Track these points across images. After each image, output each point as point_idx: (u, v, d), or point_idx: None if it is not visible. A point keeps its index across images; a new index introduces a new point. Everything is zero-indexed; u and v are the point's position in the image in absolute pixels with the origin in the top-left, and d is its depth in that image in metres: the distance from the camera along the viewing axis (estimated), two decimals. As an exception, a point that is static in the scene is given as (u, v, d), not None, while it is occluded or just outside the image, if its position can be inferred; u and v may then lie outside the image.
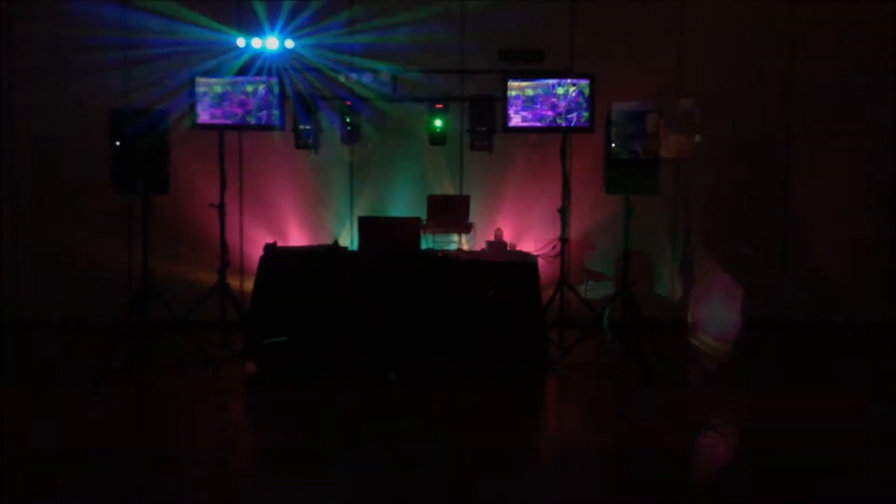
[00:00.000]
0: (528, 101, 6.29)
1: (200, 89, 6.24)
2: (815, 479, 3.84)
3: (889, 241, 7.58)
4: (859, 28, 7.44)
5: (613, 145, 5.91)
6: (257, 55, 6.38)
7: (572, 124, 6.31)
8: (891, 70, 7.46)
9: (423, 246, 6.25)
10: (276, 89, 6.26)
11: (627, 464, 4.11)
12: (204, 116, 6.27)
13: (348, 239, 7.15)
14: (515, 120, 6.31)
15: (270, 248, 6.09)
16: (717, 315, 7.37)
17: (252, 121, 6.31)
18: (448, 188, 7.41)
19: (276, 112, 6.28)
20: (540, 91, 6.27)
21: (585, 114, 6.27)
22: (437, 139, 6.64)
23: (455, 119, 6.79)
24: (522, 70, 6.29)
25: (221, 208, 6.42)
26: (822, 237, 7.52)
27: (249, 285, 6.34)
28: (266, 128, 6.36)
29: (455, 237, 6.49)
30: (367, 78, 6.73)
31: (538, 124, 6.32)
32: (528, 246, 6.72)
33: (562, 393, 5.60)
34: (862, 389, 5.53)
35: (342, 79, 6.51)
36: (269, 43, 6.35)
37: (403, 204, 7.31)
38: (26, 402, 5.05)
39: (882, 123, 7.51)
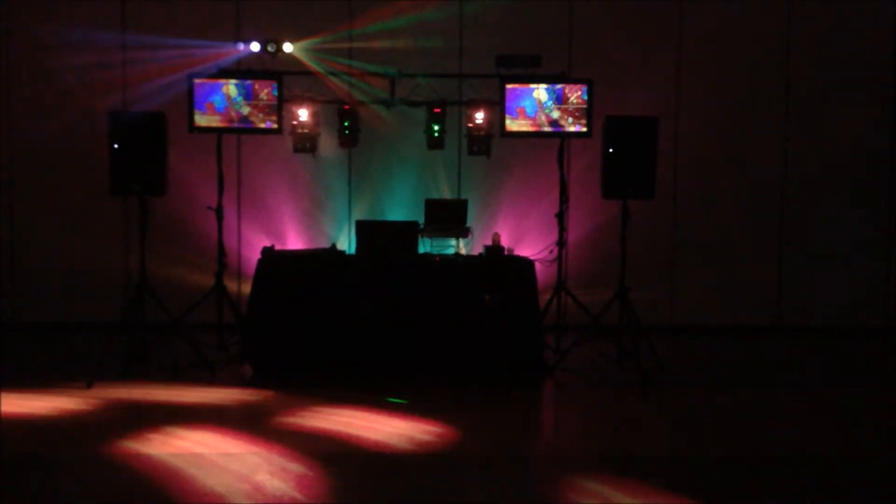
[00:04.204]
0: (525, 105, 6.30)
1: (199, 92, 6.24)
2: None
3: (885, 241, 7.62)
4: (857, 29, 7.47)
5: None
6: (256, 58, 6.39)
7: (570, 129, 6.31)
8: (889, 77, 7.49)
9: (421, 250, 6.25)
10: (275, 92, 6.26)
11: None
12: (202, 119, 6.27)
13: (346, 243, 7.15)
14: (513, 124, 6.32)
15: (268, 252, 6.09)
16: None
17: (250, 124, 6.31)
18: (446, 192, 7.42)
19: (274, 115, 6.28)
20: (538, 95, 6.29)
21: (583, 119, 6.28)
22: (435, 143, 6.64)
23: (453, 123, 6.79)
24: (520, 75, 6.30)
25: (219, 211, 6.42)
26: (820, 239, 7.53)
27: (246, 288, 6.34)
28: (264, 131, 6.36)
29: (453, 241, 6.49)
30: (364, 82, 6.76)
31: (536, 129, 6.33)
32: (525, 250, 6.72)
33: (558, 397, 5.60)
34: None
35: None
36: (268, 46, 6.36)
37: (401, 208, 7.31)
38: (21, 403, 5.03)
39: (880, 126, 7.53)
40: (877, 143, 7.53)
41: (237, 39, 6.54)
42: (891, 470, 4.11)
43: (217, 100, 6.26)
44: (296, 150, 6.65)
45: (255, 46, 6.36)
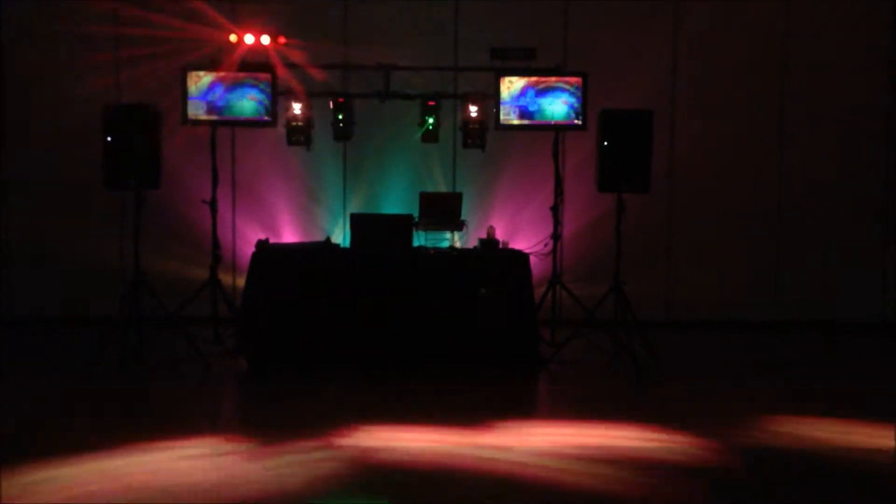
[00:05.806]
0: (520, 98, 6.29)
1: (192, 84, 6.20)
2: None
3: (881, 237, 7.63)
4: (855, 22, 7.46)
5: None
6: (250, 50, 6.35)
7: (565, 122, 6.31)
8: (885, 69, 7.49)
9: (416, 243, 6.24)
10: (269, 85, 6.24)
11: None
12: (196, 112, 6.23)
13: (340, 236, 7.14)
14: (508, 117, 6.31)
15: (262, 245, 6.08)
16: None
17: (244, 117, 6.28)
18: (441, 185, 7.41)
19: (268, 108, 6.25)
20: (532, 89, 6.27)
21: (578, 112, 6.27)
22: (429, 136, 6.62)
23: (448, 116, 6.77)
24: (515, 67, 6.28)
25: (213, 204, 6.41)
26: (817, 233, 7.53)
27: (241, 281, 6.33)
28: (258, 124, 6.34)
29: (447, 234, 6.48)
30: (359, 74, 6.74)
31: (531, 122, 6.32)
32: (520, 244, 6.71)
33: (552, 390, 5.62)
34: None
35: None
36: (262, 38, 6.33)
37: (396, 201, 7.29)
38: (17, 398, 5.02)
39: (875, 122, 7.54)
40: (875, 138, 7.54)
41: (231, 31, 6.50)
42: (887, 468, 4.13)
43: (211, 92, 6.22)
44: (290, 143, 6.62)
45: (249, 39, 6.33)
